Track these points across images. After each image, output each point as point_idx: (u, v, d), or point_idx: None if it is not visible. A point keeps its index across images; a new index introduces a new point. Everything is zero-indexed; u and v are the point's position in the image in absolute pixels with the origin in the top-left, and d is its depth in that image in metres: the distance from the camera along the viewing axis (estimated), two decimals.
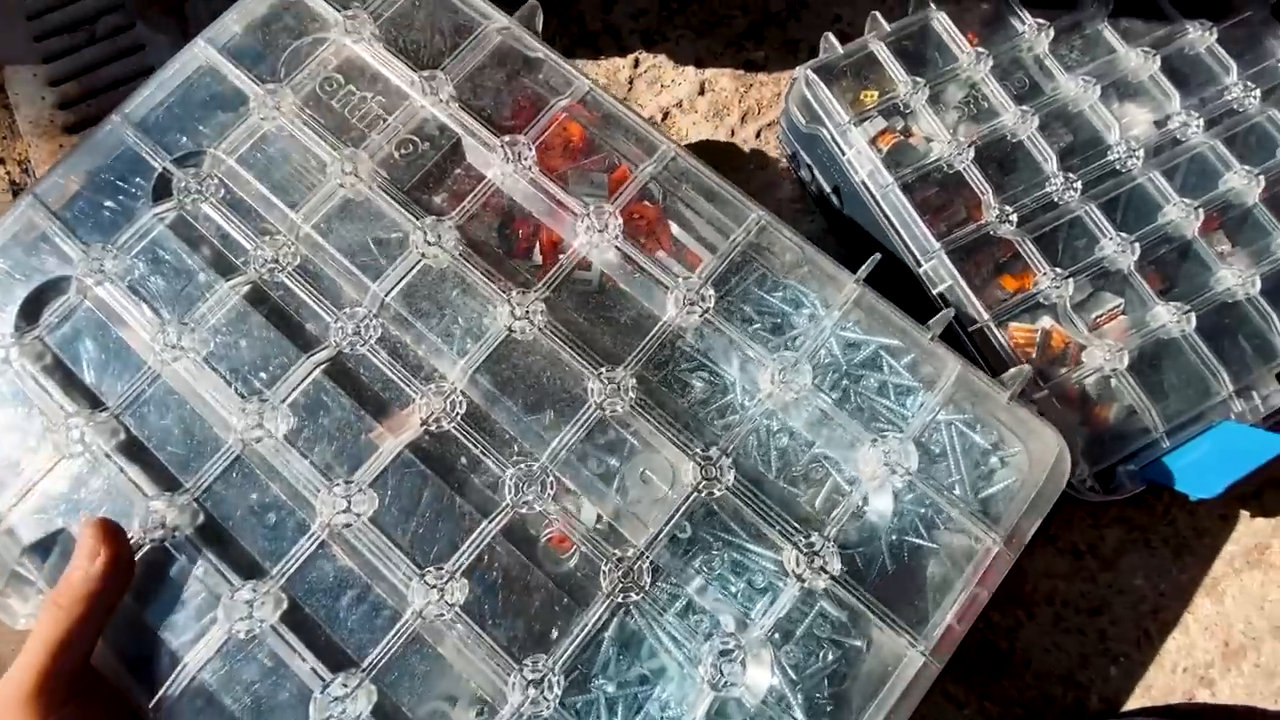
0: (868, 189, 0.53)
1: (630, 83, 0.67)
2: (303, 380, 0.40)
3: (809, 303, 0.46)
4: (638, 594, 0.37)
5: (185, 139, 0.46)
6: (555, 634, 0.37)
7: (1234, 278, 0.51)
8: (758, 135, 0.66)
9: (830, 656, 0.39)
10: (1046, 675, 0.53)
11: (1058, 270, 0.50)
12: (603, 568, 0.37)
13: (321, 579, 0.38)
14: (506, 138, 0.45)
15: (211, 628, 0.36)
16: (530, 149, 0.45)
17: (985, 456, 0.43)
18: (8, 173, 0.65)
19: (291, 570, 0.37)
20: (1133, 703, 0.52)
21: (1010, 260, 0.52)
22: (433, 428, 0.39)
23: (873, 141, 0.54)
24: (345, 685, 0.34)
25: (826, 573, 0.37)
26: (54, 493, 0.39)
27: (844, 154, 0.54)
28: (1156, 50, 0.56)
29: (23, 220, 0.43)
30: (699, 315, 0.42)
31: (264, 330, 0.42)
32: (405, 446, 0.39)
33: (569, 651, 0.36)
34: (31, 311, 0.42)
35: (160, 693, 0.34)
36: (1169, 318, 0.49)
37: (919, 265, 0.51)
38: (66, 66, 0.68)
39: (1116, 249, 0.51)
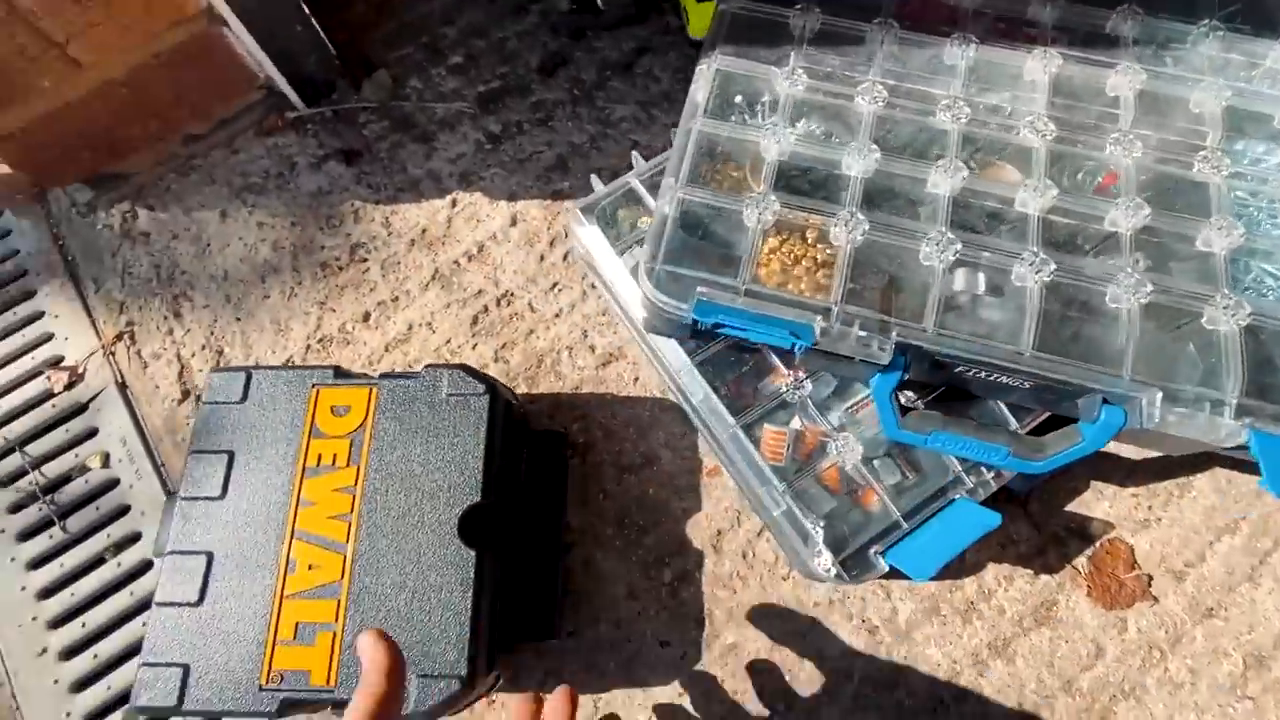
0: (633, 315, 0.59)
1: (449, 221, 0.74)
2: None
3: None
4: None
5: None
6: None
7: None
8: (565, 258, 0.72)
9: None
10: None
11: (798, 372, 0.55)
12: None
13: None
14: None
15: None
16: None
17: None
18: None
19: None
20: None
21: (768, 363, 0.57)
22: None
23: (635, 270, 0.60)
24: None
25: None
26: None
27: (612, 282, 0.60)
28: None
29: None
30: None
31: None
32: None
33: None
34: None
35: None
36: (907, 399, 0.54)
37: (677, 379, 0.56)
38: None
39: None
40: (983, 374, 0.47)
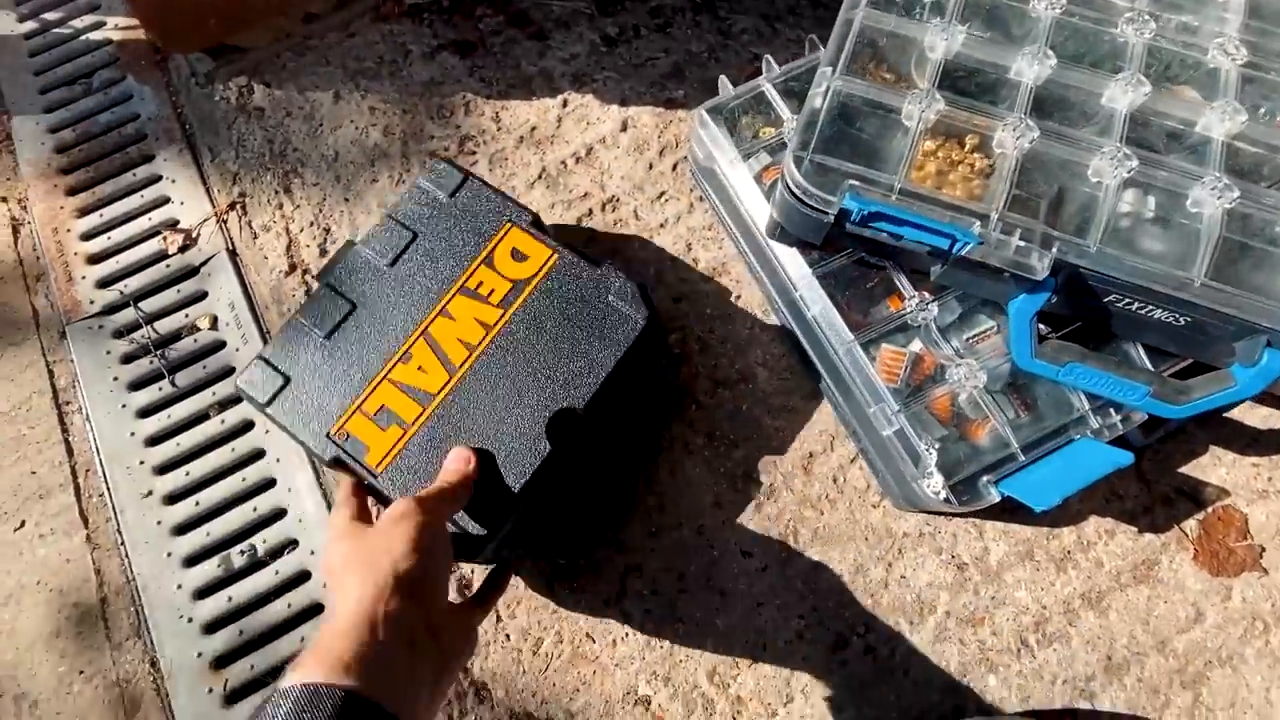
0: (754, 222, 0.57)
1: (559, 121, 0.73)
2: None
3: None
4: None
5: None
6: None
7: None
8: (674, 168, 0.70)
9: None
10: (926, 683, 0.54)
11: (923, 293, 0.53)
12: None
13: None
14: None
15: None
16: None
17: None
18: (9, 210, 0.73)
19: None
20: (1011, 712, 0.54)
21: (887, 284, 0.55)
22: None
23: (759, 176, 0.58)
24: None
25: None
26: None
27: (732, 187, 0.58)
28: None
29: None
30: None
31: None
32: None
33: None
34: None
35: None
36: None
37: (795, 290, 0.55)
38: (64, 116, 0.77)
39: None
40: (1135, 305, 0.45)
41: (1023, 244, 0.42)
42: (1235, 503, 0.58)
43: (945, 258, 0.45)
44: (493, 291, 0.51)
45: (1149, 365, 0.51)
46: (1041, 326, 0.52)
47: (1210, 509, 0.58)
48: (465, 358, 0.49)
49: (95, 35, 0.81)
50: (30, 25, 0.82)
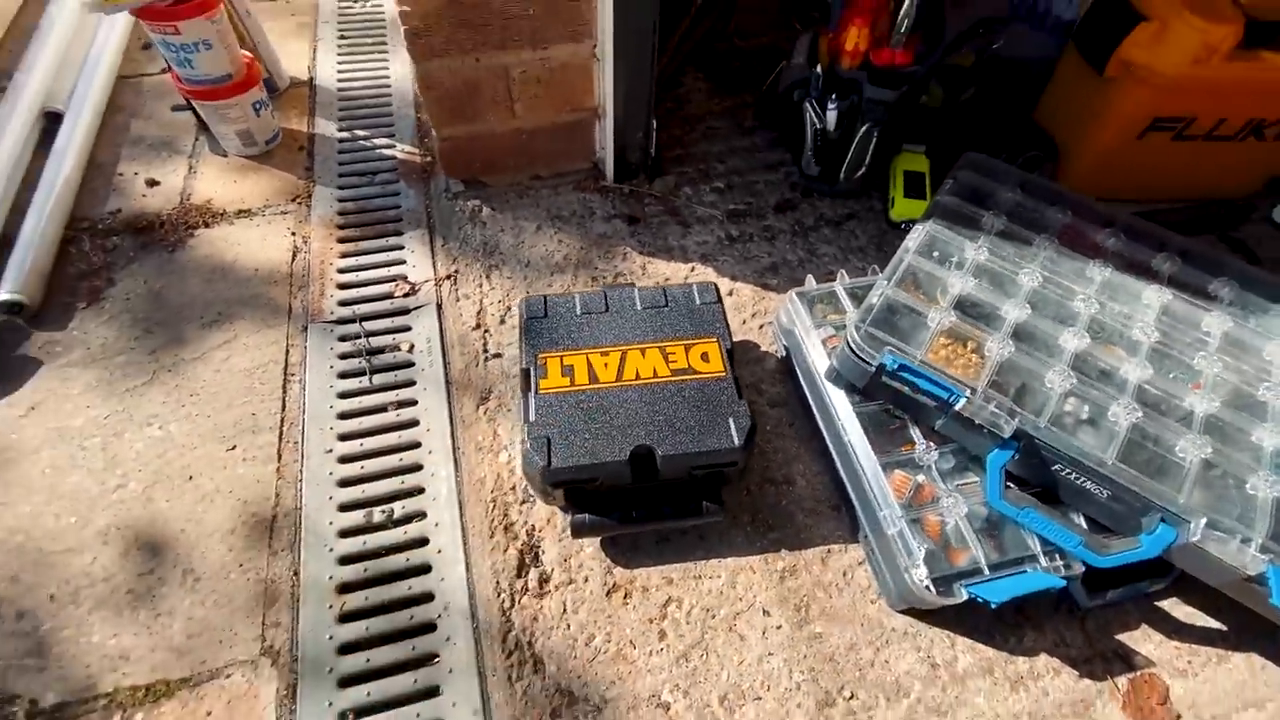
0: (816, 369, 0.82)
1: (685, 279, 1.02)
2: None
3: None
4: None
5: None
6: None
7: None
8: (760, 327, 0.97)
9: None
10: None
11: (930, 444, 0.75)
12: None
13: None
14: None
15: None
16: None
17: None
18: (296, 241, 1.04)
19: None
20: None
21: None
22: None
23: (824, 341, 0.84)
24: None
25: None
26: None
27: (805, 345, 0.84)
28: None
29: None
30: None
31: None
32: None
33: None
34: None
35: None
36: None
37: (840, 420, 0.77)
38: (350, 194, 1.11)
39: None
40: (1072, 475, 0.66)
41: (996, 410, 0.65)
42: (1159, 673, 0.72)
43: (946, 409, 0.67)
44: (674, 361, 0.77)
45: (1085, 528, 0.70)
46: (1012, 484, 0.73)
47: (1139, 673, 0.72)
48: (632, 378, 0.75)
49: (385, 151, 1.18)
50: (345, 135, 1.21)
